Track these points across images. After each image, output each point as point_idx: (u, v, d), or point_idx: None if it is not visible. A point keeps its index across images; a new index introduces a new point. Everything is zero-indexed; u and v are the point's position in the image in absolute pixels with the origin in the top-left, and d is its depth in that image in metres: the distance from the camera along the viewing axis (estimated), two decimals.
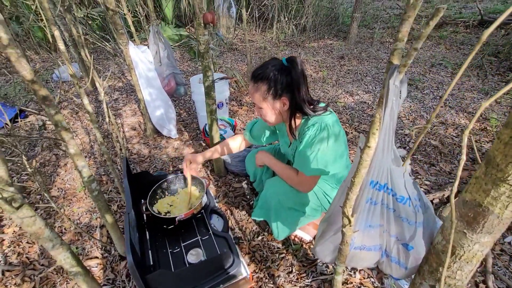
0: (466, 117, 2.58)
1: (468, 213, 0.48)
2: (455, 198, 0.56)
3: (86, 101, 1.10)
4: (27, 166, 0.81)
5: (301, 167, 1.05)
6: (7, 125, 2.20)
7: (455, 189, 0.42)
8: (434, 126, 2.38)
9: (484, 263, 1.13)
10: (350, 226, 0.54)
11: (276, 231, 1.24)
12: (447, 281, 0.56)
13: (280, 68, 0.98)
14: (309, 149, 1.01)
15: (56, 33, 0.92)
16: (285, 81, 0.97)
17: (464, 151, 0.41)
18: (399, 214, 0.59)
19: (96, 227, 1.46)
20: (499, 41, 4.28)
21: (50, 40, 0.91)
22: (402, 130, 2.31)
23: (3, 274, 1.22)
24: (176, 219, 1.20)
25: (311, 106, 1.02)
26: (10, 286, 1.18)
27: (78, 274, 0.86)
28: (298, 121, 1.09)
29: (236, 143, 1.41)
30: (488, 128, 2.34)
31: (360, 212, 0.59)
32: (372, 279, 1.16)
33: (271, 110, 1.05)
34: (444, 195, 1.46)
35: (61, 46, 0.95)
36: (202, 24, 1.24)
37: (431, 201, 1.45)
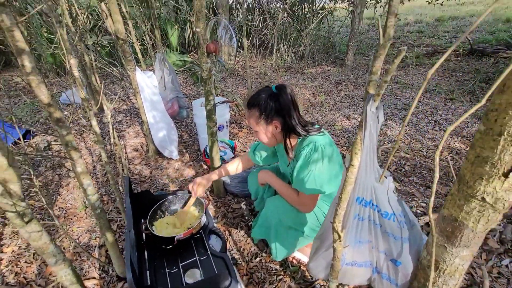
0: (460, 140, 2.64)
1: (447, 227, 0.52)
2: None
3: (94, 122, 1.17)
4: (35, 183, 0.85)
5: (300, 187, 1.09)
6: (16, 144, 2.26)
7: (431, 204, 0.46)
8: (429, 149, 2.43)
9: (481, 286, 1.13)
10: (340, 241, 0.57)
11: (275, 251, 1.25)
12: None
13: (270, 95, 1.08)
14: (306, 169, 1.06)
15: (73, 61, 1.00)
16: (275, 106, 1.07)
17: (437, 169, 0.46)
18: (385, 230, 0.63)
19: (95, 247, 1.47)
20: (489, 68, 4.47)
21: (67, 67, 1.00)
22: (398, 153, 2.36)
23: None
24: (175, 238, 1.21)
25: (305, 127, 1.09)
26: None
27: None
28: (293, 141, 1.17)
29: (233, 167, 1.50)
30: None
31: (349, 228, 0.63)
32: None
33: (264, 133, 1.14)
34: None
35: (76, 73, 1.04)
36: (206, 53, 1.34)
37: (427, 223, 1.46)
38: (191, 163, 2.25)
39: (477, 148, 0.45)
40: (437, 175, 0.47)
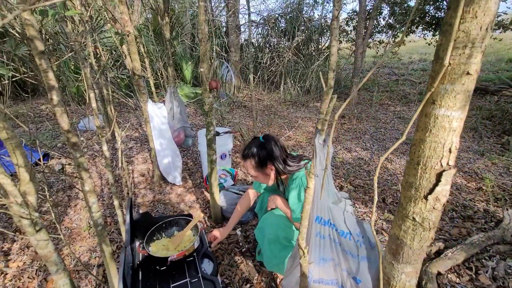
0: (462, 176, 2.65)
1: (392, 245, 0.59)
2: (440, 253, 0.67)
3: (105, 147, 1.32)
4: (48, 198, 0.97)
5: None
6: (36, 165, 2.44)
7: (373, 222, 0.55)
8: None
9: None
10: (305, 257, 0.65)
11: (266, 260, 1.32)
12: None
13: (259, 145, 1.26)
14: (298, 202, 1.18)
15: (92, 94, 1.18)
16: (265, 154, 1.25)
17: (376, 191, 0.55)
18: (344, 248, 0.69)
19: (94, 266, 1.53)
20: (492, 106, 4.54)
21: (86, 98, 1.17)
22: (396, 186, 2.39)
23: None
24: (168, 259, 1.28)
25: (291, 167, 1.24)
26: None
27: None
28: (284, 176, 1.33)
29: (244, 206, 1.60)
30: (483, 188, 2.39)
31: (312, 245, 0.70)
32: None
33: (263, 176, 1.32)
34: (431, 250, 1.48)
35: (94, 104, 1.21)
36: (208, 90, 1.52)
37: None
38: (193, 189, 2.35)
39: (406, 175, 0.54)
40: (376, 197, 0.56)
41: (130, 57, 1.95)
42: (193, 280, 1.30)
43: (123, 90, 4.46)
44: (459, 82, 0.43)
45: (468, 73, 0.42)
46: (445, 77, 0.44)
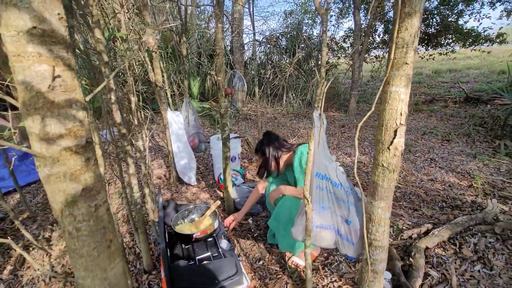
0: (455, 176, 2.86)
1: (371, 189, 0.83)
2: (428, 233, 0.90)
3: (140, 142, 1.58)
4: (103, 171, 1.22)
5: (300, 183, 1.47)
6: None
7: (355, 166, 0.79)
8: (422, 181, 2.66)
9: (450, 282, 1.31)
10: (309, 204, 0.88)
11: (281, 243, 1.54)
12: (373, 243, 0.85)
13: (262, 140, 1.67)
14: (300, 168, 1.47)
15: (133, 99, 1.46)
16: (266, 142, 1.64)
17: (356, 142, 0.79)
18: (337, 196, 0.92)
19: (125, 247, 1.75)
20: (484, 113, 4.79)
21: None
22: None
23: (50, 280, 1.49)
24: (193, 235, 1.50)
25: (285, 145, 1.62)
26: None
27: None
28: (288, 155, 1.65)
29: (255, 196, 1.87)
30: (474, 185, 2.60)
31: (314, 196, 0.92)
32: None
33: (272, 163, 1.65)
34: (420, 230, 1.68)
35: (133, 106, 1.48)
36: (224, 95, 1.79)
37: (410, 236, 1.67)
38: (206, 189, 2.58)
39: (377, 135, 0.78)
40: (357, 152, 0.80)
41: (154, 71, 2.26)
42: (214, 255, 1.51)
43: (140, 104, 4.78)
44: (401, 69, 0.69)
45: (406, 63, 0.68)
46: (393, 66, 0.70)
